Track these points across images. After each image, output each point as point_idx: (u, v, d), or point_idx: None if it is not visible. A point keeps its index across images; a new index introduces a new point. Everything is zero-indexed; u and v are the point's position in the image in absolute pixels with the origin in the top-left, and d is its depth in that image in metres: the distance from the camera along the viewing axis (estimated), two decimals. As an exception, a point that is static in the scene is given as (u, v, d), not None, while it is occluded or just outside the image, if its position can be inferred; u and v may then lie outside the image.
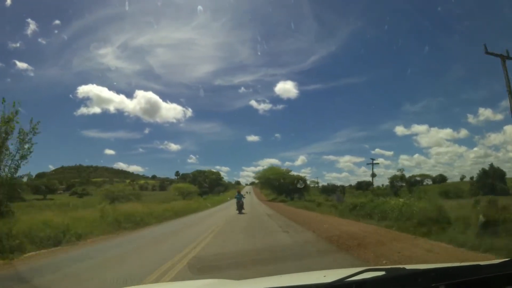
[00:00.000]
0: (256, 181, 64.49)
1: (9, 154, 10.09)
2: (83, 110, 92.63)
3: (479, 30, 60.02)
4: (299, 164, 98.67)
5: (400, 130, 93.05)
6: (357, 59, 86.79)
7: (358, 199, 17.96)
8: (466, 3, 58.03)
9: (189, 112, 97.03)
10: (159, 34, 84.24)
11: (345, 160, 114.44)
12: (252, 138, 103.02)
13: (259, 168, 79.34)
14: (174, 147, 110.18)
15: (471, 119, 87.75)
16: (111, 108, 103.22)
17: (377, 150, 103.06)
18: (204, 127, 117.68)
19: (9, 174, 10.06)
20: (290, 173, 54.97)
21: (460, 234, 7.85)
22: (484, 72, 66.34)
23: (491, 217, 8.04)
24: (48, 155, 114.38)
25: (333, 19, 76.02)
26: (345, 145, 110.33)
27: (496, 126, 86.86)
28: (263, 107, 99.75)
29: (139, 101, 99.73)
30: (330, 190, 74.59)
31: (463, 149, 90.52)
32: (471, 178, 70.79)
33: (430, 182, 79.44)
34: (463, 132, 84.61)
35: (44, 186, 74.23)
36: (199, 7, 65.22)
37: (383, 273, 1.41)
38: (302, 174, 58.94)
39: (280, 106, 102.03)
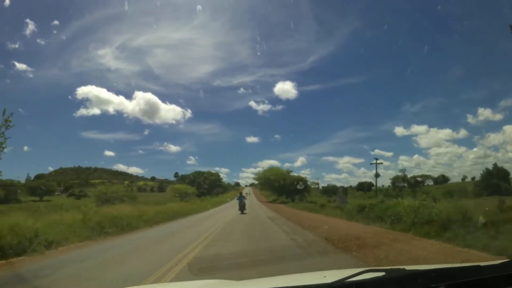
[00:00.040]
0: (256, 182, 63.33)
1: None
2: (82, 111, 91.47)
3: (479, 30, 59.38)
4: (298, 165, 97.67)
5: (399, 130, 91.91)
6: (357, 59, 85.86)
7: (367, 201, 16.65)
8: (466, 3, 57.26)
9: (189, 113, 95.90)
10: (158, 34, 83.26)
11: (345, 161, 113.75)
12: (251, 139, 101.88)
13: (259, 170, 77.97)
14: (173, 148, 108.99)
15: (470, 119, 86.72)
16: (111, 109, 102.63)
17: (377, 151, 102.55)
18: (204, 128, 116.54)
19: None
20: (290, 174, 53.63)
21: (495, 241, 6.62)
22: (484, 72, 65.67)
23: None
24: (47, 156, 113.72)
25: (332, 19, 75.09)
26: (344, 146, 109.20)
27: (496, 126, 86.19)
28: (263, 107, 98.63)
29: (138, 102, 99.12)
30: (330, 191, 73.65)
31: (462, 149, 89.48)
32: (473, 178, 69.97)
33: (431, 182, 78.68)
34: (463, 133, 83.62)
35: (42, 187, 73.40)
36: (199, 7, 64.11)
37: (383, 273, 1.41)
38: (302, 175, 57.44)
39: (279, 107, 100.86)
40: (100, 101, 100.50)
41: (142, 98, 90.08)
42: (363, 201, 17.21)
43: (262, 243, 8.71)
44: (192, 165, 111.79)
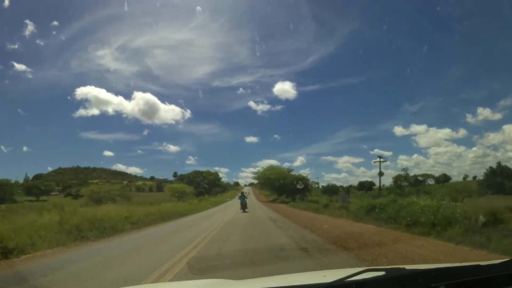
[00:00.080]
0: (255, 181, 62.10)
1: None
2: (81, 112, 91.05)
3: (479, 30, 58.40)
4: (298, 165, 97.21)
5: (399, 130, 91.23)
6: (356, 59, 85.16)
7: (375, 200, 15.37)
8: (466, 3, 56.32)
9: (188, 113, 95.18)
10: (158, 35, 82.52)
11: (344, 161, 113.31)
12: (250, 139, 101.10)
13: (258, 169, 76.87)
14: (172, 148, 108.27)
15: (469, 118, 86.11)
16: (110, 110, 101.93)
17: (376, 151, 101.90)
18: (203, 128, 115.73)
19: None
20: (291, 173, 52.31)
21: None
22: (483, 72, 64.69)
23: None
24: (46, 156, 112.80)
25: (331, 19, 74.21)
26: (343, 145, 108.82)
27: (495, 126, 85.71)
28: (262, 108, 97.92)
29: (137, 102, 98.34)
30: (331, 190, 72.69)
31: (461, 149, 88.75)
32: (474, 177, 68.92)
33: (432, 182, 77.70)
34: (462, 132, 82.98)
35: (39, 187, 72.41)
36: (198, 8, 63.43)
37: (383, 273, 1.39)
38: (302, 175, 56.12)
39: (278, 107, 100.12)
40: (100, 102, 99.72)
41: (142, 98, 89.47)
42: (372, 200, 15.98)
43: (263, 252, 7.42)
44: (191, 165, 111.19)
